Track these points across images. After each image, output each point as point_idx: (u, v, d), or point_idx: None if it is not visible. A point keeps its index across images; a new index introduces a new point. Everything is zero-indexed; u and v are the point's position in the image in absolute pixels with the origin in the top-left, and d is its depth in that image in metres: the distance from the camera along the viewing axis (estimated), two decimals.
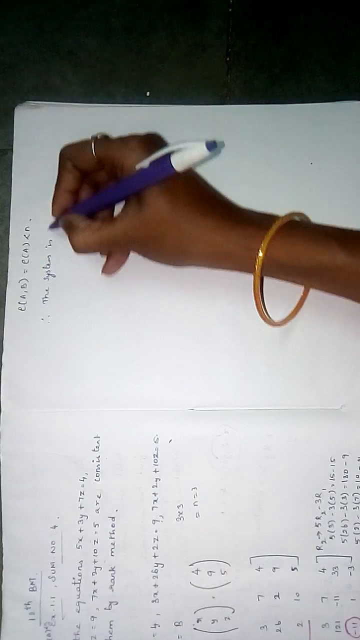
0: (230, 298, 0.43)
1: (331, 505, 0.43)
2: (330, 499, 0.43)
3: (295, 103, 0.46)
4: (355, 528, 0.43)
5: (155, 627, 0.43)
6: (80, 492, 0.43)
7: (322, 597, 0.43)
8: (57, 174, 0.42)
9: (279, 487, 0.43)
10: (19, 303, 0.44)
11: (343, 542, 0.43)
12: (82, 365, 0.43)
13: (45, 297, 0.44)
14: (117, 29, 0.48)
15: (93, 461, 0.43)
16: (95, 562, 0.43)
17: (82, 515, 0.43)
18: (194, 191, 0.39)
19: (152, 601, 0.43)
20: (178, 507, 0.43)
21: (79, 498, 0.43)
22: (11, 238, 0.45)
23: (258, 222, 0.38)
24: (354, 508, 0.43)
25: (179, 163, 0.36)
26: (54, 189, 0.43)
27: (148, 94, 0.48)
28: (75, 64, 0.48)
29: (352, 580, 0.43)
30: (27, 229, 0.45)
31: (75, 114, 0.46)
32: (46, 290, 0.44)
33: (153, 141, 0.39)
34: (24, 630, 0.43)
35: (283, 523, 0.43)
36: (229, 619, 0.43)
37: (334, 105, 0.46)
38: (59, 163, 0.42)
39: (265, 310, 0.42)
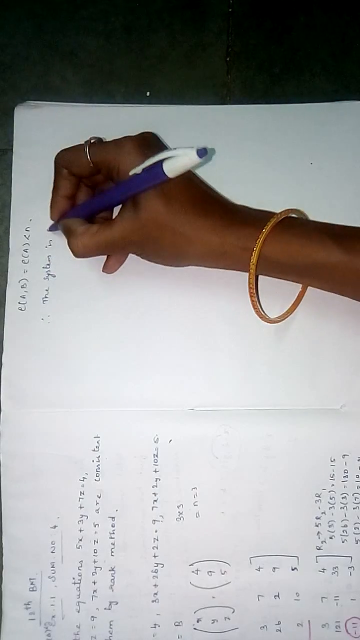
0: (230, 298, 0.43)
1: (331, 505, 0.43)
2: (330, 499, 0.43)
3: (295, 103, 0.46)
4: (355, 528, 0.43)
5: (155, 627, 0.43)
6: (80, 492, 0.43)
7: (322, 597, 0.43)
8: (53, 180, 0.42)
9: (279, 487, 0.43)
10: (19, 303, 0.44)
11: (343, 542, 0.43)
12: (82, 365, 0.43)
13: (45, 297, 0.44)
14: (117, 29, 0.48)
15: (93, 461, 0.43)
16: (95, 562, 0.43)
17: (82, 515, 0.43)
18: (190, 192, 0.39)
19: (152, 601, 0.43)
20: (178, 507, 0.43)
21: (79, 498, 0.43)
22: (11, 238, 0.45)
23: (254, 221, 0.38)
24: (354, 508, 0.43)
25: (170, 170, 0.36)
26: (51, 194, 0.43)
27: (148, 94, 0.48)
28: (75, 64, 0.48)
29: (352, 580, 0.43)
30: (27, 229, 0.45)
31: (75, 114, 0.46)
32: (46, 290, 0.44)
33: (147, 142, 0.39)
34: (24, 630, 0.43)
35: (283, 523, 0.43)
36: (229, 619, 0.43)
37: (334, 105, 0.46)
38: (55, 169, 0.42)
39: (261, 308, 0.42)
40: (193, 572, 0.43)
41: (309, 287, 0.43)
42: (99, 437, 0.43)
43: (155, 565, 0.43)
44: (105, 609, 0.43)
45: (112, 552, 0.43)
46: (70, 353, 0.44)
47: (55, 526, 0.43)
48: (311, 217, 0.42)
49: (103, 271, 0.44)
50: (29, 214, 0.45)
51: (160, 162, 0.37)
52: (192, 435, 0.43)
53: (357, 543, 0.43)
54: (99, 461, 0.43)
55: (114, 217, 0.41)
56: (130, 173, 0.38)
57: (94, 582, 0.43)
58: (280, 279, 0.41)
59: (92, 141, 0.40)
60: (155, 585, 0.43)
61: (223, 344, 0.44)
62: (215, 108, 0.47)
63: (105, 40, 0.48)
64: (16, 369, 0.43)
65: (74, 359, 0.43)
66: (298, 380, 0.43)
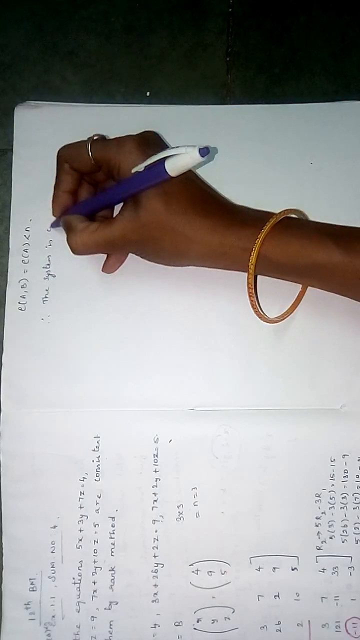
0: (230, 298, 0.43)
1: (331, 505, 0.43)
2: (330, 499, 0.43)
3: (295, 103, 0.46)
4: (355, 528, 0.43)
5: (155, 627, 0.43)
6: (80, 492, 0.43)
7: (322, 597, 0.43)
8: (55, 175, 0.42)
9: (279, 487, 0.43)
10: (19, 303, 0.44)
11: (343, 542, 0.43)
12: (82, 365, 0.43)
13: (45, 297, 0.44)
14: (117, 29, 0.48)
15: (93, 461, 0.43)
16: (95, 562, 0.43)
17: (82, 515, 0.43)
18: (191, 192, 0.39)
19: (152, 601, 0.43)
20: (178, 507, 0.43)
21: (79, 498, 0.43)
22: (11, 238, 0.45)
23: (254, 221, 0.38)
24: (354, 508, 0.43)
25: (172, 169, 0.36)
26: (53, 190, 0.43)
27: (148, 94, 0.48)
28: (75, 64, 0.48)
29: (352, 580, 0.43)
30: (27, 229, 0.45)
31: (75, 114, 0.46)
32: (46, 290, 0.44)
33: (149, 142, 0.39)
34: (24, 630, 0.43)
35: (283, 523, 0.43)
36: (229, 619, 0.43)
37: (334, 105, 0.46)
38: (57, 164, 0.42)
39: (260, 308, 0.42)
40: (193, 572, 0.43)
41: (308, 287, 0.43)
42: (99, 437, 0.43)
43: (155, 565, 0.43)
44: (105, 609, 0.43)
45: (112, 552, 0.43)
46: (70, 353, 0.44)
47: (55, 526, 0.43)
48: (311, 217, 0.42)
49: (103, 271, 0.44)
50: (29, 214, 0.45)
51: (162, 160, 0.37)
52: (192, 435, 0.43)
53: (357, 543, 0.43)
54: (99, 461, 0.43)
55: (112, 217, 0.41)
56: (133, 171, 0.38)
57: (94, 582, 0.43)
58: (280, 279, 0.41)
59: (94, 138, 0.40)
60: (155, 585, 0.43)
61: (223, 344, 0.44)
62: (215, 108, 0.47)
63: (105, 40, 0.48)
64: (16, 369, 0.43)
65: (74, 359, 0.43)
66: (298, 380, 0.43)
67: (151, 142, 0.39)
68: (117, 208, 0.43)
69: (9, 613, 0.43)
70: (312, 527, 0.43)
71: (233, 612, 0.43)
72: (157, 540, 0.43)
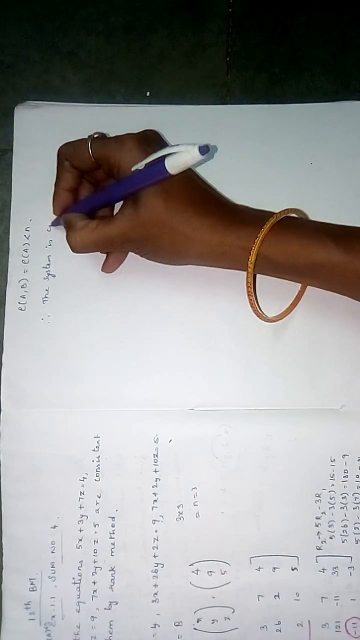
0: (230, 298, 0.43)
1: (331, 505, 0.43)
2: (330, 499, 0.43)
3: (295, 103, 0.46)
4: (355, 528, 0.43)
5: (155, 627, 0.43)
6: (80, 492, 0.43)
7: (322, 597, 0.43)
8: (55, 172, 0.42)
9: (279, 487, 0.43)
10: (19, 303, 0.44)
11: (343, 542, 0.43)
12: (82, 365, 0.43)
13: (45, 297, 0.44)
14: (117, 29, 0.48)
15: (93, 461, 0.43)
16: (95, 562, 0.43)
17: (82, 515, 0.43)
18: (190, 191, 0.39)
19: (152, 601, 0.43)
20: (178, 507, 0.43)
21: (79, 498, 0.43)
22: (11, 238, 0.45)
23: (254, 220, 0.38)
24: (354, 508, 0.43)
25: (172, 167, 0.36)
26: (53, 188, 0.43)
27: (148, 94, 0.48)
28: (75, 64, 0.48)
29: (352, 580, 0.43)
30: (27, 229, 0.45)
31: (75, 114, 0.46)
32: (46, 290, 0.44)
33: (149, 140, 0.39)
34: (23, 630, 0.43)
35: (283, 523, 0.43)
36: (229, 619, 0.43)
37: (334, 105, 0.46)
38: (57, 162, 0.42)
39: (259, 307, 0.42)
40: (193, 572, 0.43)
41: (308, 286, 0.43)
42: (99, 437, 0.43)
43: (155, 565, 0.43)
44: (105, 609, 0.43)
45: (112, 552, 0.43)
46: (70, 353, 0.44)
47: (55, 526, 0.43)
48: (311, 217, 0.42)
49: (102, 270, 0.44)
50: (29, 214, 0.45)
51: (162, 158, 0.37)
52: (192, 435, 0.43)
53: (357, 543, 0.43)
54: (99, 461, 0.43)
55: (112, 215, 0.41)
56: (133, 169, 0.38)
57: (94, 582, 0.43)
58: (280, 278, 0.41)
59: (95, 136, 0.40)
60: (155, 585, 0.43)
61: (223, 344, 0.44)
62: (215, 108, 0.47)
63: (105, 40, 0.48)
64: (16, 369, 0.43)
65: (74, 359, 0.43)
66: (298, 380, 0.43)
67: (151, 140, 0.39)
68: (117, 207, 0.43)
69: (9, 613, 0.43)
70: (312, 527, 0.43)
71: (233, 612, 0.43)
72: (157, 540, 0.43)
